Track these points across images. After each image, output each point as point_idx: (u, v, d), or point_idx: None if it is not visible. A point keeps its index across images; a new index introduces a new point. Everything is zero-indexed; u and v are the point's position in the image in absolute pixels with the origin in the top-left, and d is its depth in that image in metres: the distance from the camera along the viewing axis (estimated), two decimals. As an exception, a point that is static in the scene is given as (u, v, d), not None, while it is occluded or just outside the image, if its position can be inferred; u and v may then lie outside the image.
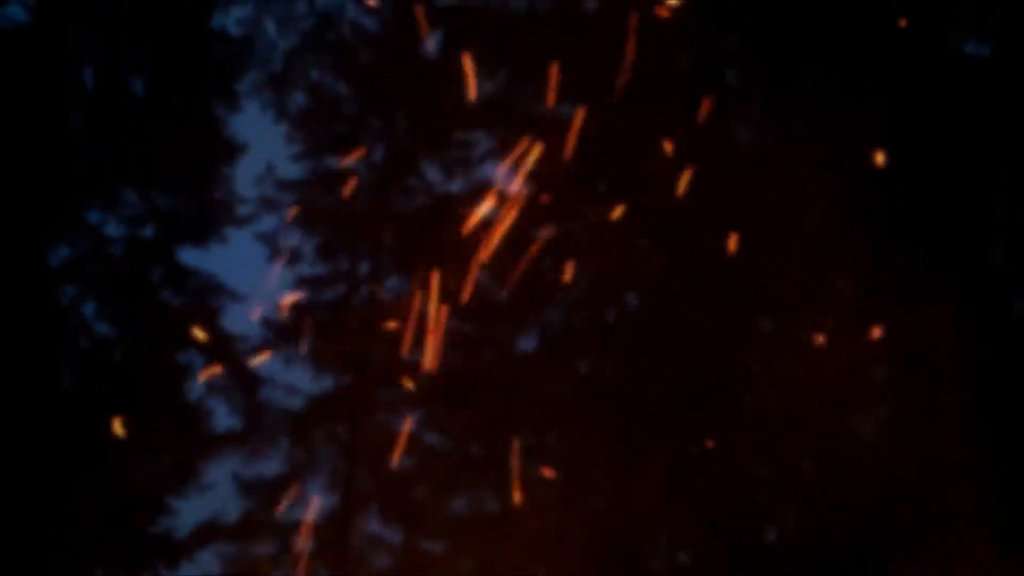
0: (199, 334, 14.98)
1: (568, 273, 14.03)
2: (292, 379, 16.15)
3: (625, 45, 14.32)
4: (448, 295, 13.99)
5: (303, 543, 15.35)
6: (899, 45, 13.68)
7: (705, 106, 14.41)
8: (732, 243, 13.87)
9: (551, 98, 14.96)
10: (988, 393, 13.15)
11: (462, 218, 15.69)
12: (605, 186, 14.93)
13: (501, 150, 15.84)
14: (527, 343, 14.94)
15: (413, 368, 13.71)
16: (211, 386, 15.52)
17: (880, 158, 12.94)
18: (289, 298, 15.54)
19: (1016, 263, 13.72)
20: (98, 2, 15.58)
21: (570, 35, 15.03)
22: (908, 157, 13.48)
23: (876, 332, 13.56)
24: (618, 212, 14.29)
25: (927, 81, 13.53)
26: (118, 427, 13.58)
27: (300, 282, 16.49)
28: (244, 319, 16.08)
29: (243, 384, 15.75)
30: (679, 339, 13.93)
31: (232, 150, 16.14)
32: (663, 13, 14.25)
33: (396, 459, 14.84)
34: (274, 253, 16.46)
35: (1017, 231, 13.58)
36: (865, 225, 13.45)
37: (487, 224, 15.58)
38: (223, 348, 15.46)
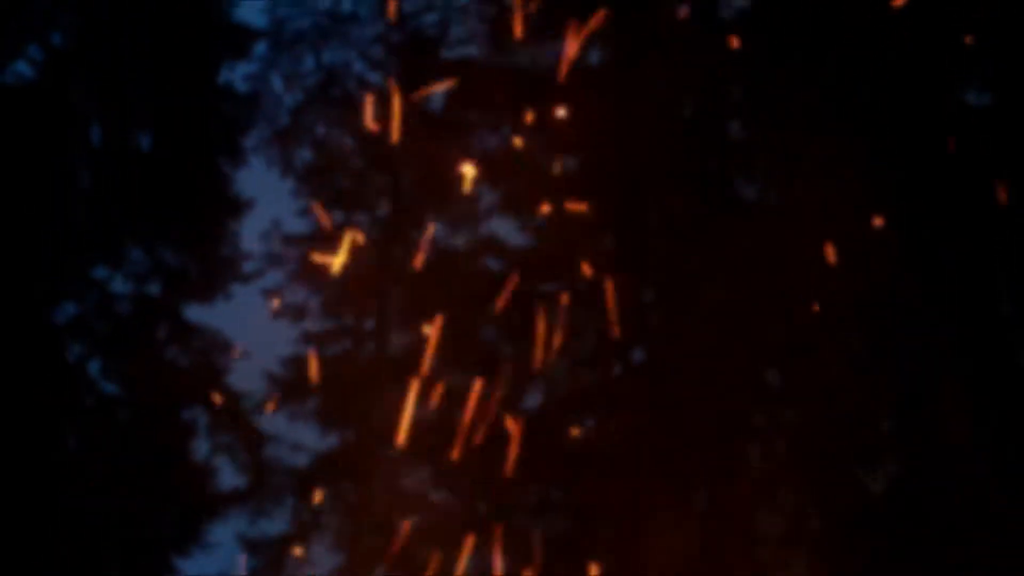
0: (216, 398, 14.98)
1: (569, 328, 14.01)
2: (298, 436, 16.14)
3: (628, 97, 14.39)
4: (454, 352, 13.99)
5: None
6: (902, 96, 13.69)
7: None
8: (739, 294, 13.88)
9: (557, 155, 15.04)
10: (994, 444, 13.08)
11: (467, 273, 15.77)
12: (611, 240, 14.92)
13: (507, 204, 15.86)
14: (533, 399, 14.90)
15: (422, 425, 13.67)
16: (216, 444, 15.50)
17: (879, 220, 12.96)
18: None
19: (1022, 314, 13.67)
20: (105, 60, 15.66)
21: (574, 89, 15.06)
22: (912, 209, 13.45)
23: (883, 383, 13.52)
24: (622, 266, 14.30)
25: (929, 132, 13.53)
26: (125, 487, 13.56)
27: (306, 338, 16.51)
28: (250, 376, 16.09)
29: (248, 442, 15.72)
30: (686, 393, 13.87)
31: (238, 206, 16.18)
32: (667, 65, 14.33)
33: (403, 516, 14.77)
34: (279, 309, 16.49)
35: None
36: (869, 275, 13.40)
37: (493, 279, 15.61)
38: (229, 406, 15.46)
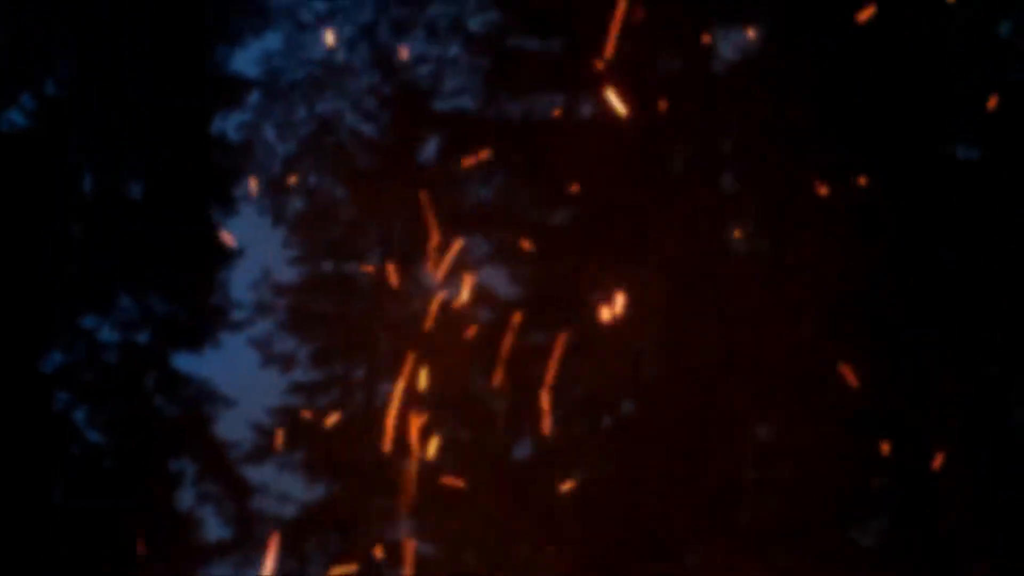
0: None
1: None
2: (284, 487, 16.01)
3: (620, 146, 14.40)
4: (441, 401, 13.89)
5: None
6: (891, 149, 13.72)
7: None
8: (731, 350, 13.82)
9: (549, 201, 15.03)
10: (985, 501, 12.99)
11: (458, 321, 15.69)
12: (603, 291, 14.87)
13: (498, 255, 15.82)
14: (522, 450, 14.79)
15: (407, 476, 13.56)
16: (202, 494, 15.37)
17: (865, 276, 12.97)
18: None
19: (1013, 374, 13.62)
20: (98, 109, 15.68)
21: (567, 139, 15.09)
22: (902, 263, 13.44)
23: (878, 445, 13.45)
24: (614, 315, 14.24)
25: (919, 186, 13.55)
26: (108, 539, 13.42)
27: (294, 388, 16.43)
28: (237, 425, 15.99)
29: (235, 492, 15.59)
30: (677, 447, 13.77)
31: (228, 255, 16.15)
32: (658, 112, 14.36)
33: (390, 568, 14.62)
34: (268, 358, 16.43)
35: (1013, 341, 13.50)
36: (861, 331, 13.37)
37: (485, 328, 15.54)
38: (215, 455, 15.35)
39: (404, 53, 16.84)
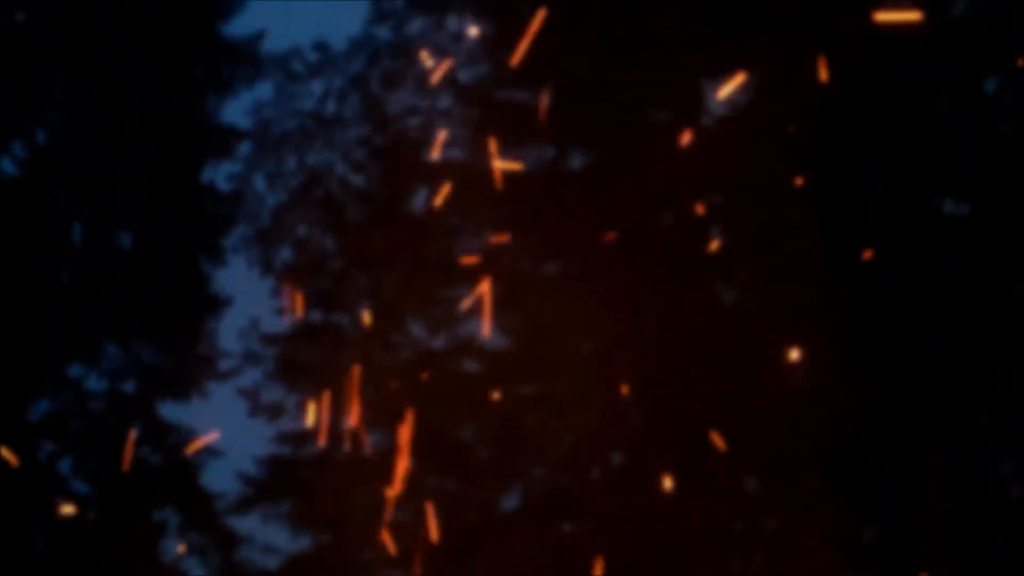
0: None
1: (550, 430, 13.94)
2: (270, 538, 15.89)
3: (612, 205, 14.47)
4: (430, 452, 13.85)
5: None
6: (881, 203, 13.80)
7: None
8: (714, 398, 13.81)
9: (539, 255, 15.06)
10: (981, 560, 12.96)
11: (446, 372, 15.68)
12: (591, 345, 14.88)
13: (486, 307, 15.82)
14: (510, 502, 14.73)
15: (395, 527, 13.50)
16: (187, 545, 15.25)
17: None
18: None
19: (1001, 423, 13.64)
20: (88, 158, 15.71)
21: (556, 192, 15.15)
22: (891, 315, 13.48)
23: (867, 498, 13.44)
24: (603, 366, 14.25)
25: (907, 238, 13.62)
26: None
27: (281, 438, 16.35)
28: (224, 475, 15.88)
29: (220, 543, 15.47)
30: (664, 498, 13.72)
31: (216, 304, 16.12)
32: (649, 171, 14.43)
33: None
34: (256, 408, 16.36)
35: (1003, 390, 13.52)
36: (849, 383, 13.38)
37: (472, 379, 15.53)
38: (201, 505, 15.24)
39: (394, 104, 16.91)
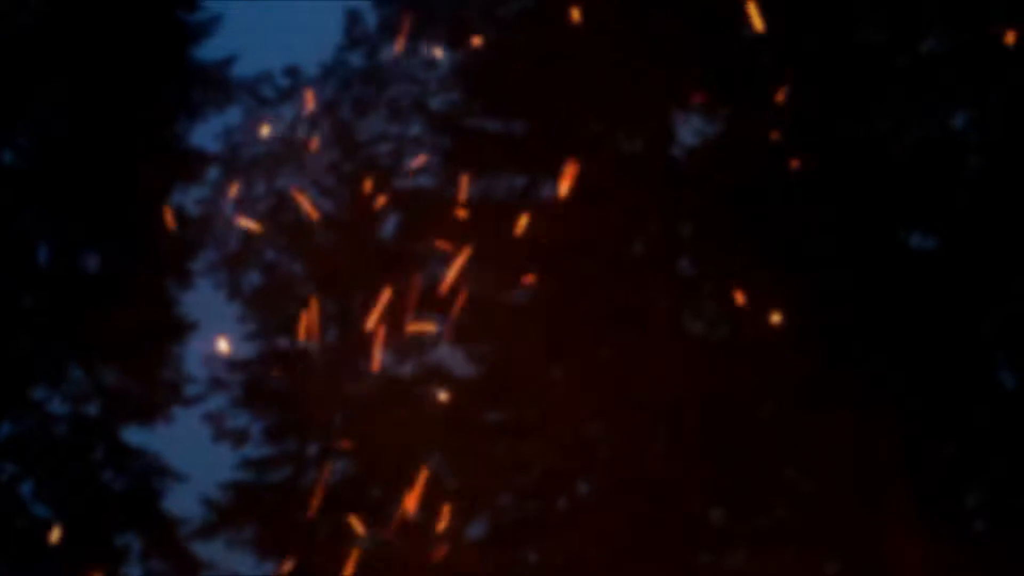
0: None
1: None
2: (233, 564, 15.76)
3: (582, 235, 14.47)
4: (396, 480, 13.76)
5: None
6: (845, 236, 13.86)
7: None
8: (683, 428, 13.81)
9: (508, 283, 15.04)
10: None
11: (413, 401, 15.61)
12: (559, 371, 14.85)
13: (455, 334, 15.78)
14: (477, 530, 14.65)
15: (360, 552, 13.39)
16: (149, 570, 15.08)
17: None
18: None
19: (968, 456, 13.69)
20: (54, 179, 15.60)
21: (528, 219, 15.14)
22: (856, 349, 13.53)
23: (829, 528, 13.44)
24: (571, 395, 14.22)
25: (874, 276, 13.68)
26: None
27: (246, 463, 16.24)
28: (187, 501, 15.75)
29: (183, 568, 15.31)
30: (630, 529, 13.69)
31: (182, 329, 16.00)
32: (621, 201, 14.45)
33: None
34: (220, 433, 16.26)
35: (967, 424, 13.58)
36: (817, 419, 13.40)
37: (440, 405, 15.46)
38: (164, 530, 15.08)
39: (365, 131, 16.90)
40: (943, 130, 14.37)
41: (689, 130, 15.32)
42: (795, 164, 13.84)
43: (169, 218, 16.03)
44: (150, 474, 15.29)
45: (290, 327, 16.51)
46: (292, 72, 17.96)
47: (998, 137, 14.14)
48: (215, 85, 16.78)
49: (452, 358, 15.72)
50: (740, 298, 13.44)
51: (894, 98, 14.32)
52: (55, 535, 14.09)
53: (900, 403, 13.71)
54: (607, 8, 14.45)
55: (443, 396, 15.03)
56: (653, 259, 14.91)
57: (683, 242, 14.96)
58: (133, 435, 15.56)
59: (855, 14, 14.19)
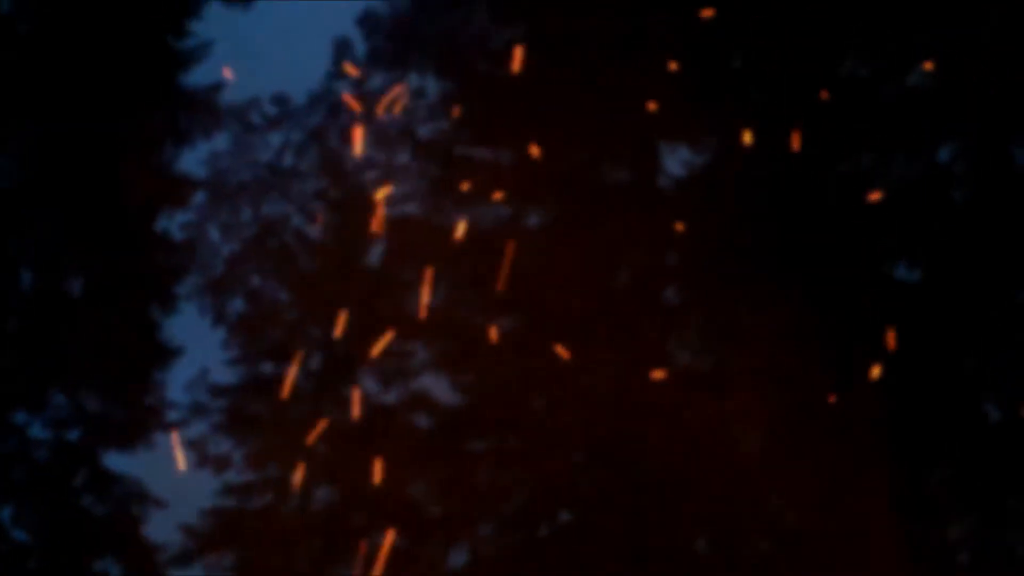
0: None
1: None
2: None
3: (568, 263, 14.48)
4: (381, 506, 13.71)
5: None
6: (833, 269, 13.90)
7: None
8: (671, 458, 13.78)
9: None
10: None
11: (398, 428, 15.57)
12: (543, 402, 14.83)
13: (439, 362, 15.76)
14: (458, 558, 14.60)
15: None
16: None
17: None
18: None
19: (953, 489, 13.69)
20: (39, 203, 15.57)
21: (512, 251, 15.14)
22: (843, 381, 13.53)
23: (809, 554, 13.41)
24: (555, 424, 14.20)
25: (860, 305, 13.70)
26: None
27: (227, 490, 16.14)
28: (167, 527, 15.64)
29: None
30: (613, 559, 13.65)
31: (166, 354, 15.93)
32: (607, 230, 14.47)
33: None
34: (202, 460, 16.17)
35: (951, 456, 13.59)
36: (802, 451, 13.40)
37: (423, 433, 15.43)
38: (143, 557, 14.98)
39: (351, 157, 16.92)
40: (928, 163, 14.43)
41: (676, 160, 15.38)
42: (779, 195, 13.90)
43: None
44: (130, 500, 15.19)
45: (274, 353, 16.46)
46: (280, 100, 17.96)
47: (982, 171, 14.22)
48: (203, 111, 16.78)
49: (436, 386, 15.69)
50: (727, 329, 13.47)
51: (880, 131, 14.39)
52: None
53: (886, 435, 13.71)
54: (596, 40, 14.54)
55: (426, 424, 15.02)
56: (638, 288, 14.92)
57: (669, 271, 14.98)
58: (114, 461, 15.48)
59: (841, 46, 14.28)
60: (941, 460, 13.77)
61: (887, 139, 14.52)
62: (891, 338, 13.05)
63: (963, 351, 13.98)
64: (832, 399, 13.52)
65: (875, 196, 13.33)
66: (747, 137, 12.83)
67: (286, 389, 15.52)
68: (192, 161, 17.63)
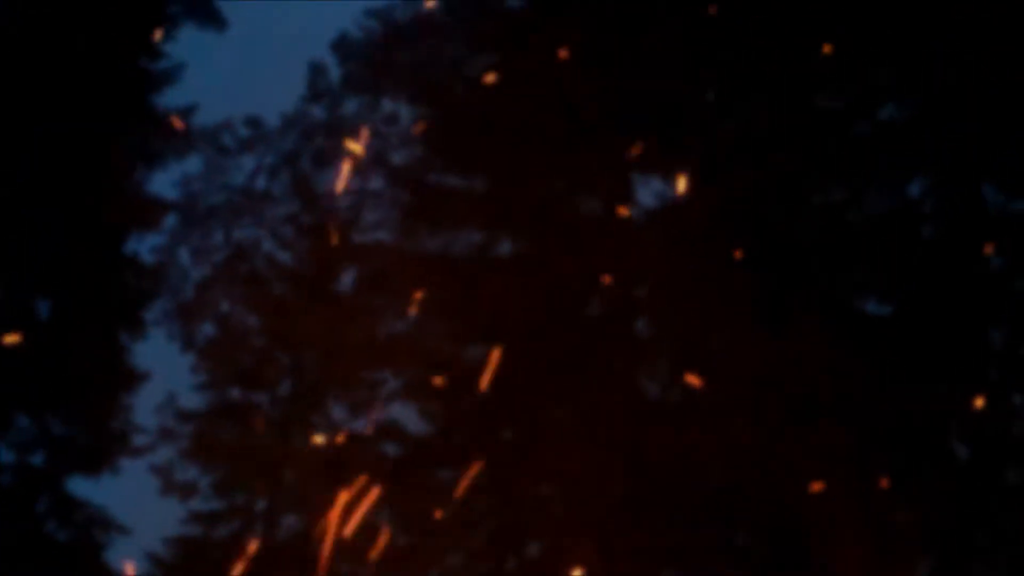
0: None
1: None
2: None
3: (539, 293, 14.44)
4: (346, 535, 13.59)
5: None
6: (804, 303, 13.88)
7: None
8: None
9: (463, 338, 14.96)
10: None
11: (367, 457, 15.47)
12: (511, 432, 14.76)
13: (408, 391, 15.68)
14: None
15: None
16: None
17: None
18: None
19: (920, 524, 13.67)
20: (7, 222, 15.43)
21: (486, 277, 15.11)
22: (810, 415, 13.52)
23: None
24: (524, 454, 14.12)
25: (830, 340, 13.69)
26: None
27: (193, 517, 16.01)
28: (131, 553, 15.48)
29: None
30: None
31: (133, 378, 15.80)
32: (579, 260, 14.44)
33: None
34: (168, 486, 16.04)
35: (924, 489, 13.57)
36: (771, 484, 13.36)
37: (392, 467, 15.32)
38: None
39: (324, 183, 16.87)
40: (899, 198, 14.46)
41: (648, 192, 15.38)
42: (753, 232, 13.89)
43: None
44: (94, 526, 15.03)
45: (243, 379, 16.35)
46: (253, 122, 17.91)
47: (952, 207, 14.26)
48: (175, 133, 16.70)
49: (405, 414, 15.62)
50: (694, 379, 13.45)
51: (852, 165, 14.41)
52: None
53: (854, 470, 13.68)
54: (570, 70, 14.53)
55: (394, 452, 14.93)
56: (609, 319, 14.88)
57: (639, 303, 14.95)
58: (78, 486, 15.32)
59: (814, 80, 14.30)
60: (912, 495, 13.75)
61: (859, 173, 14.53)
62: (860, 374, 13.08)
63: (932, 387, 13.98)
64: (799, 431, 13.51)
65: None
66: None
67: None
68: (163, 183, 17.58)
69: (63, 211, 15.48)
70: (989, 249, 13.83)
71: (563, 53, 14.29)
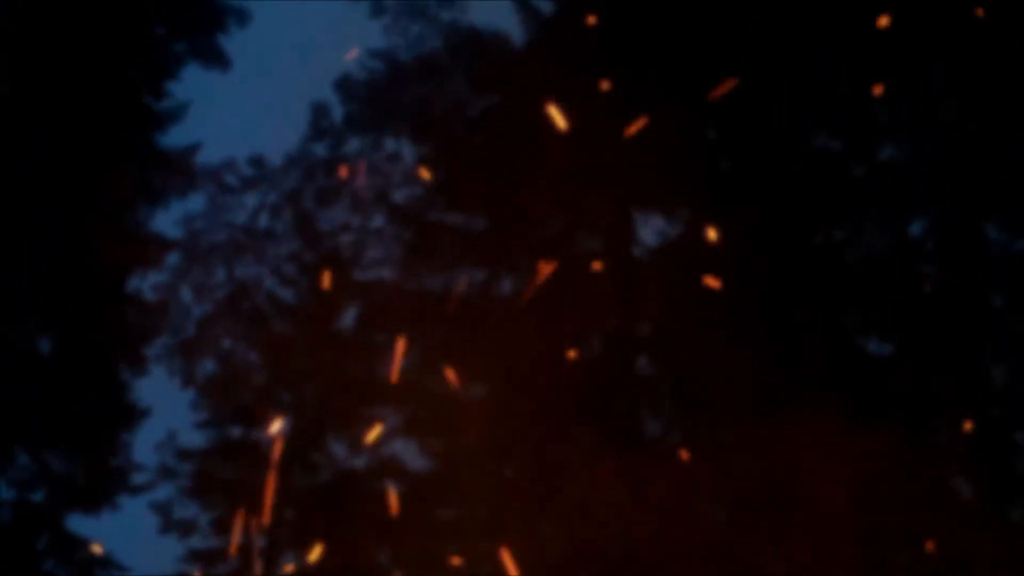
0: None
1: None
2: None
3: (540, 332, 14.45)
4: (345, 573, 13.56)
5: None
6: (807, 343, 13.88)
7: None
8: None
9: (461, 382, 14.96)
10: None
11: (366, 495, 15.43)
12: (512, 470, 14.73)
13: (408, 428, 15.67)
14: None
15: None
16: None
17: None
18: None
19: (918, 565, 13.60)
20: (9, 259, 15.46)
21: (485, 319, 15.12)
22: (813, 451, 13.48)
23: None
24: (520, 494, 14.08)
25: (835, 379, 13.68)
26: None
27: (192, 556, 15.95)
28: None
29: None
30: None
31: (134, 415, 15.78)
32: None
33: None
34: (167, 524, 15.99)
35: (923, 524, 13.52)
36: (768, 522, 13.31)
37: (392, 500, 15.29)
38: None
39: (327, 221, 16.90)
40: (898, 238, 14.49)
41: (650, 230, 15.41)
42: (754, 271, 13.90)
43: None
44: (93, 565, 14.97)
45: (244, 417, 16.33)
46: (256, 161, 17.98)
47: (953, 246, 14.28)
48: (179, 171, 16.75)
49: (406, 451, 15.59)
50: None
51: (852, 205, 14.45)
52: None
53: (853, 511, 13.64)
54: (571, 110, 14.59)
55: (395, 491, 14.90)
56: (611, 357, 14.87)
57: (641, 341, 14.94)
58: (78, 524, 15.27)
59: (813, 121, 14.37)
60: (913, 533, 13.70)
61: (859, 213, 14.57)
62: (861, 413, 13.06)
63: (935, 421, 13.96)
64: (799, 473, 13.46)
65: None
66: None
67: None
68: (166, 221, 17.63)
69: (66, 250, 15.52)
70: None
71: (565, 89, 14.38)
